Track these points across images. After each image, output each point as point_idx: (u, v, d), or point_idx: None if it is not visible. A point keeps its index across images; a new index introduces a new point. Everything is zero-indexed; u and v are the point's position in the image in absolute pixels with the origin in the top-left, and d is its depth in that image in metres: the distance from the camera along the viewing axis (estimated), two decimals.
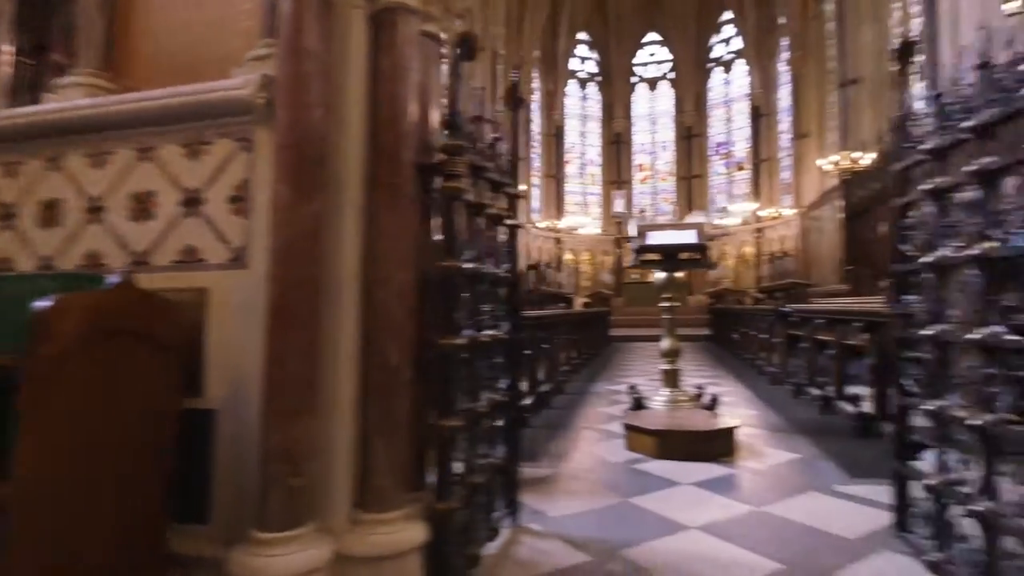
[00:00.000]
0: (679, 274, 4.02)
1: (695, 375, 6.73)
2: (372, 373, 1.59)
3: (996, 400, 1.38)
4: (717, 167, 22.33)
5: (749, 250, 19.02)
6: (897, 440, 1.90)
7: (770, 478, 2.84)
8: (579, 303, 13.69)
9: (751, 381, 6.36)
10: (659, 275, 4.03)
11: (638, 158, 24.08)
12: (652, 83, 23.99)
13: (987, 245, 1.40)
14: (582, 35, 22.96)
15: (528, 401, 4.55)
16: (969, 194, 1.50)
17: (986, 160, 1.39)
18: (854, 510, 2.33)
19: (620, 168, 23.56)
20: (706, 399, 3.98)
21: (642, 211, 21.67)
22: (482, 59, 16.07)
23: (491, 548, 1.96)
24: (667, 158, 23.63)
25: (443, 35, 1.92)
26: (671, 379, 4.03)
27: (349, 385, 1.58)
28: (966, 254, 1.46)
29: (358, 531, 1.53)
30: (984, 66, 1.44)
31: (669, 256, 3.90)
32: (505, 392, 2.18)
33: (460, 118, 1.81)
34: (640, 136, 24.21)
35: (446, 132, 1.80)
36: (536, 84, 21.22)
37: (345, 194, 1.60)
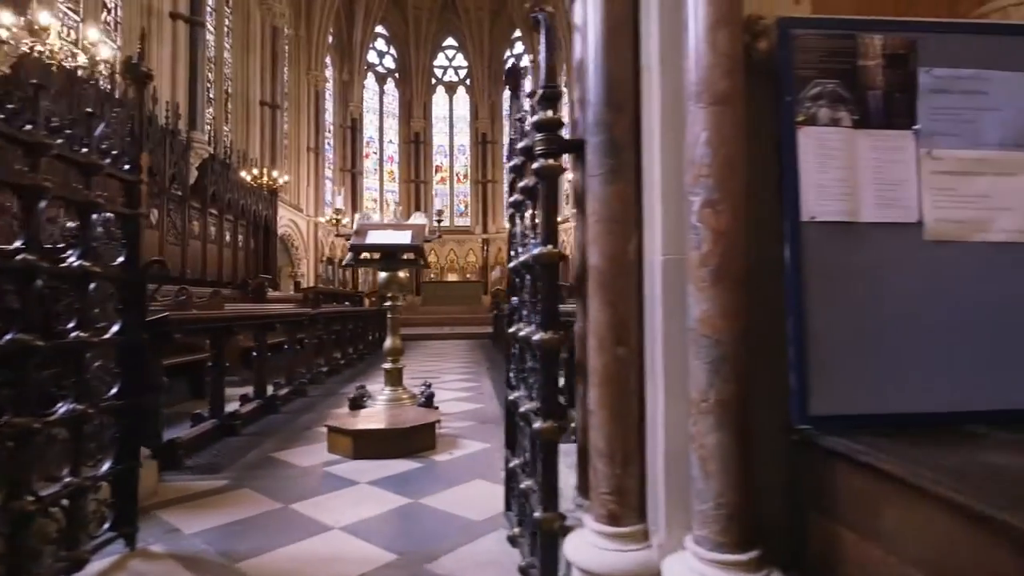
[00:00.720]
0: (402, 274, 4.07)
1: (458, 373, 6.98)
2: None
3: (534, 388, 1.57)
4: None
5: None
6: (506, 428, 2.09)
7: (450, 469, 2.99)
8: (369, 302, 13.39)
9: (502, 377, 6.76)
10: (381, 275, 4.04)
11: (436, 159, 24.41)
12: (450, 87, 24.48)
13: (528, 255, 1.58)
14: (381, 29, 22.53)
15: (246, 407, 4.24)
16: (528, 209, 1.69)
17: (523, 182, 1.59)
18: (498, 493, 2.54)
19: (419, 167, 23.64)
20: (423, 396, 4.08)
21: (439, 212, 21.99)
22: (262, 35, 14.83)
23: None
24: (464, 162, 24.34)
25: None
26: (393, 378, 4.06)
27: None
28: (517, 262, 1.66)
29: None
30: (531, 95, 1.64)
31: (389, 255, 3.92)
32: (116, 399, 1.94)
33: None
34: (439, 138, 24.55)
35: None
36: (329, 73, 20.27)
37: None
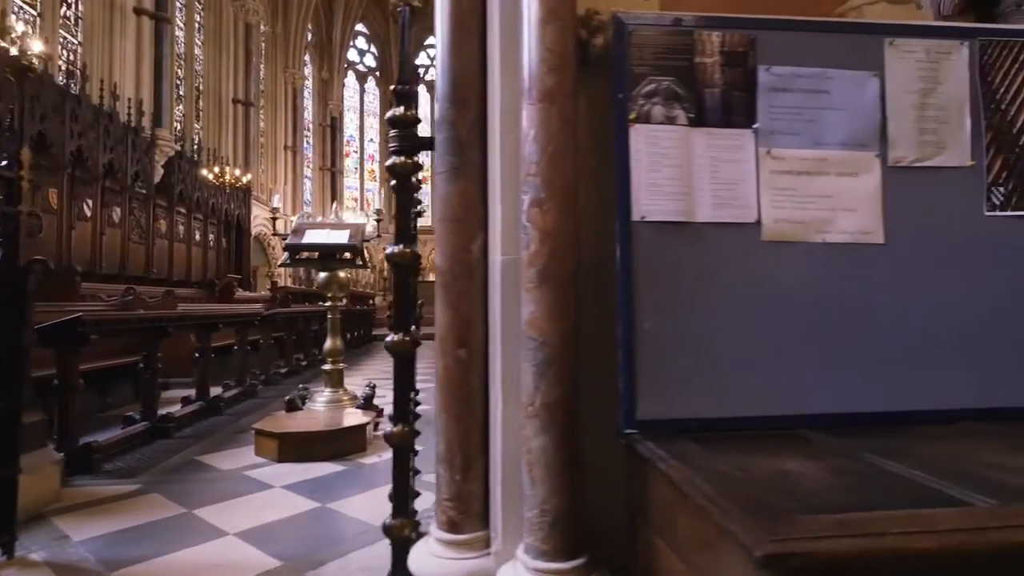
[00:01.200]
0: (342, 274, 4.02)
1: (421, 373, 6.92)
2: None
3: None
4: None
5: None
6: None
7: (373, 473, 2.95)
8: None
9: None
10: (321, 275, 3.99)
11: (420, 157, 24.26)
12: (432, 85, 24.35)
13: None
14: (361, 27, 22.37)
15: (186, 409, 4.17)
16: None
17: None
18: None
19: None
20: (361, 398, 4.03)
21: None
22: (235, 32, 14.65)
23: None
24: None
25: None
26: (334, 379, 4.01)
27: None
28: None
29: None
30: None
31: (327, 255, 3.87)
32: None
33: None
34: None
35: None
36: (308, 71, 20.11)
37: None
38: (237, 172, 10.11)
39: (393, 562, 1.38)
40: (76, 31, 9.36)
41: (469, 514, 1.28)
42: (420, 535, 1.39)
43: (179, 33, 12.31)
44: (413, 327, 1.47)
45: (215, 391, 4.90)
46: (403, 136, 1.40)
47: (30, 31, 7.39)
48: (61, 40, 9.02)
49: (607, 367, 1.17)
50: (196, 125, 13.05)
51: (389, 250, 1.40)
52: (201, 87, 13.42)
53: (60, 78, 7.83)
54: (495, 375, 1.26)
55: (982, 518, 0.67)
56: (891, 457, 0.93)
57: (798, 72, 1.23)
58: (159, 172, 9.82)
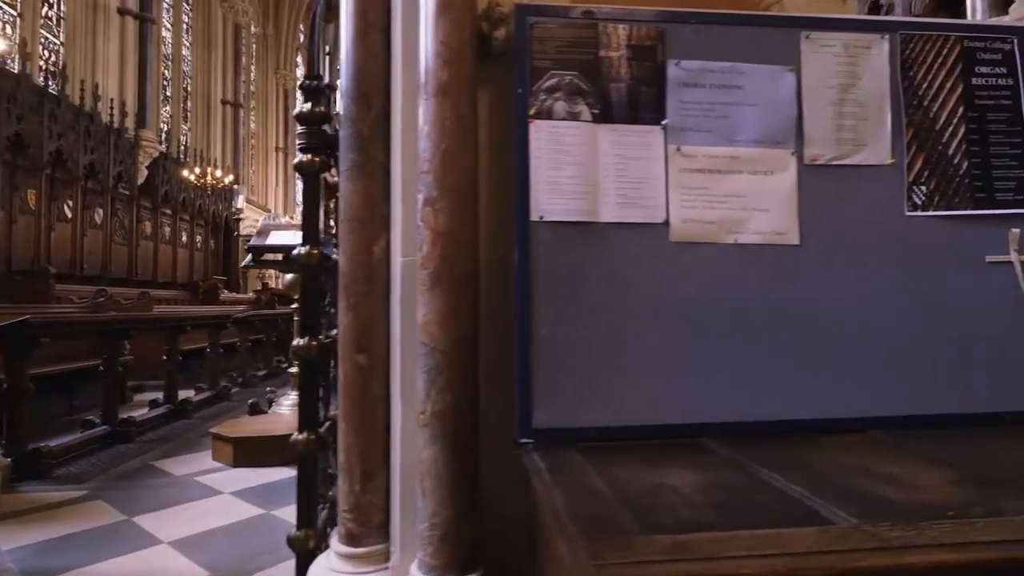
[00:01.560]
0: None
1: None
2: None
3: None
4: None
5: None
6: None
7: None
8: None
9: None
10: (287, 276, 3.94)
11: None
12: None
13: None
14: None
15: (153, 412, 4.12)
16: None
17: None
18: None
19: None
20: None
21: None
22: (224, 33, 14.59)
23: None
24: None
25: None
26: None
27: None
28: None
29: None
30: None
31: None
32: None
33: None
34: None
35: None
36: (300, 72, 20.06)
37: None
38: (219, 173, 10.05)
39: (296, 575, 1.32)
40: (58, 31, 9.31)
41: (369, 527, 1.22)
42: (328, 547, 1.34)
43: (167, 34, 12.25)
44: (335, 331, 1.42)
45: (187, 394, 4.85)
46: (311, 133, 1.35)
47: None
48: (42, 40, 8.96)
49: (511, 374, 1.12)
50: (184, 126, 12.98)
51: (295, 251, 1.35)
52: (189, 88, 13.35)
53: (41, 78, 7.77)
54: (394, 382, 1.21)
55: (825, 540, 0.62)
56: (781, 469, 0.88)
57: (709, 67, 1.19)
58: (144, 174, 9.75)
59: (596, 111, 1.15)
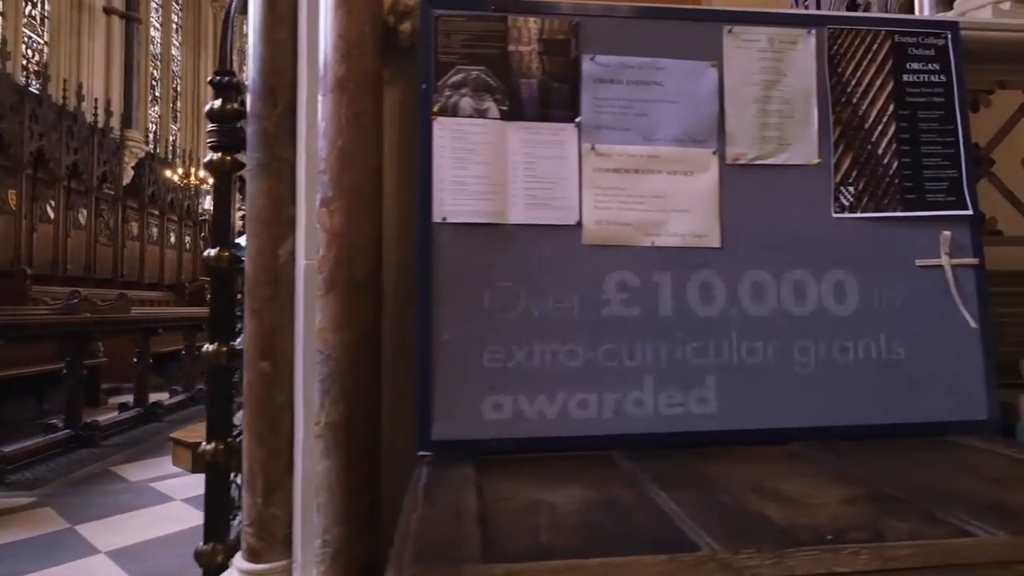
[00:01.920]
0: None
1: None
2: None
3: None
4: None
5: None
6: None
7: None
8: None
9: None
10: None
11: None
12: None
13: None
14: None
15: (123, 415, 4.06)
16: None
17: None
18: None
19: None
20: None
21: None
22: (215, 33, 14.52)
23: None
24: None
25: None
26: None
27: None
28: None
29: None
30: None
31: None
32: None
33: None
34: None
35: None
36: None
37: None
38: (203, 173, 9.96)
39: None
40: (42, 30, 9.24)
41: (272, 542, 1.17)
42: None
43: (155, 34, 12.18)
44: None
45: (161, 397, 4.80)
46: (222, 131, 1.30)
47: None
48: (25, 39, 8.90)
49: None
50: (173, 127, 12.91)
51: (206, 253, 1.29)
52: (179, 88, 13.28)
53: (24, 77, 7.71)
54: (297, 390, 1.16)
55: (672, 569, 0.57)
56: (673, 487, 0.83)
57: (627, 62, 1.14)
58: (130, 174, 9.69)
59: (505, 108, 1.10)
